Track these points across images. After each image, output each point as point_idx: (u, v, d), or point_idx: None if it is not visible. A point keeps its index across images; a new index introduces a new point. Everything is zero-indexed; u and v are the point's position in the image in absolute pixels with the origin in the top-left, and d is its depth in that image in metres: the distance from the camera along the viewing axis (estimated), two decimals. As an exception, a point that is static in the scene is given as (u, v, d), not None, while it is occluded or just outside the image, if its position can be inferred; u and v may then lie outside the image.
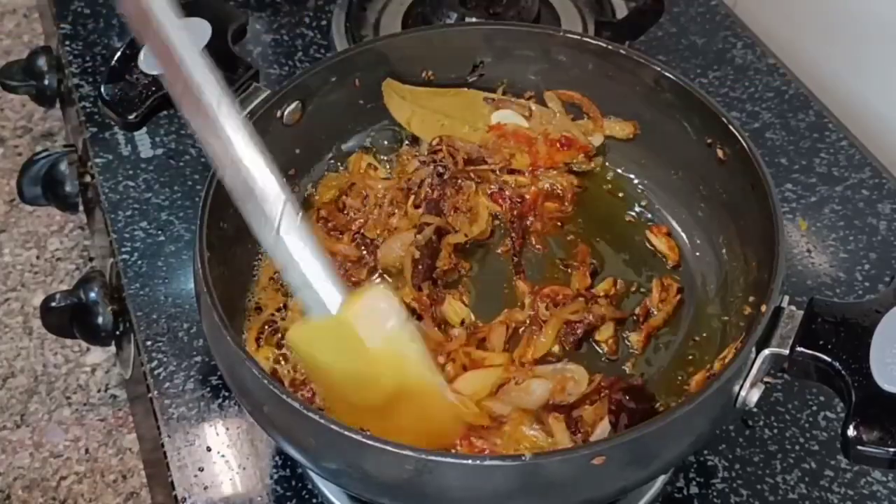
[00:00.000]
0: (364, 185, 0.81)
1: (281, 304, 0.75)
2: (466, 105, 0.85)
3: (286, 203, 0.61)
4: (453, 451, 0.65)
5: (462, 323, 0.75)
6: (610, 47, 0.80)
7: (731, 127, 0.74)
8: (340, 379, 0.64)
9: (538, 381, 0.70)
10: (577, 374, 0.71)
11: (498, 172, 0.84)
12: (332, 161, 0.85)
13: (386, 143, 0.86)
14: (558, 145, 0.84)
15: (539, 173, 0.84)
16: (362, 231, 0.80)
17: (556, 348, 0.74)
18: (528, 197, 0.83)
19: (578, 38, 0.82)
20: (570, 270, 0.79)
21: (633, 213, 0.84)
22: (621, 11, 1.10)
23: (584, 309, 0.75)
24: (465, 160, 0.83)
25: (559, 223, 0.83)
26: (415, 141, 0.86)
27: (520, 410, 0.68)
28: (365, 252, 0.79)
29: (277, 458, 0.77)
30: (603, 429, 0.67)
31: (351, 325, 0.61)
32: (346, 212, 0.81)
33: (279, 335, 0.74)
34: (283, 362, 0.72)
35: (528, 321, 0.75)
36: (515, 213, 0.82)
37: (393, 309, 0.62)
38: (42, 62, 1.18)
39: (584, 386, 0.70)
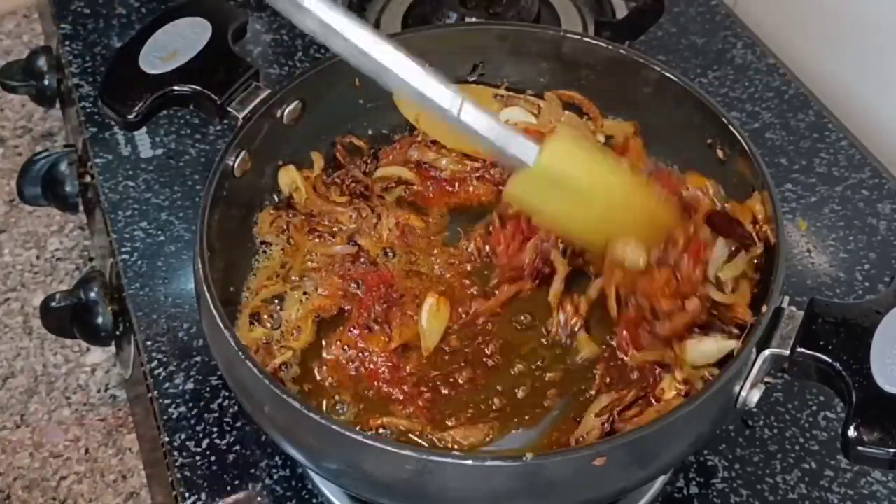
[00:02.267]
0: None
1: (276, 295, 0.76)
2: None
3: (461, 96, 0.64)
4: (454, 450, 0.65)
5: None
6: (610, 47, 0.80)
7: (731, 127, 0.74)
8: (558, 214, 0.68)
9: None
10: None
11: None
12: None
13: (386, 143, 0.87)
14: None
15: None
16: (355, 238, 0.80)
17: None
18: None
19: (578, 38, 0.82)
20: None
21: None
22: (621, 11, 1.10)
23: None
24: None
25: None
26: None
27: None
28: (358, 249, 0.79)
29: (277, 458, 0.77)
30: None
31: (556, 168, 0.65)
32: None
33: (273, 316, 0.74)
34: (274, 342, 0.73)
35: None
36: None
37: (584, 142, 0.69)
38: (42, 62, 1.18)
39: None
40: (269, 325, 0.73)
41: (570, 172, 0.66)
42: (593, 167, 0.67)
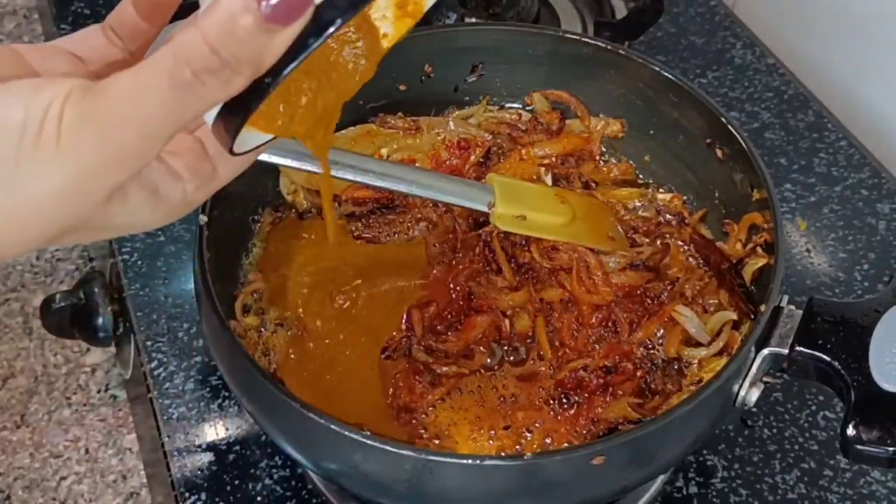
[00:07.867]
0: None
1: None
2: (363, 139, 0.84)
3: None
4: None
5: None
6: (609, 47, 0.81)
7: (730, 127, 0.74)
8: (534, 229, 0.74)
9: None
10: None
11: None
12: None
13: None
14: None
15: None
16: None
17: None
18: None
19: (577, 38, 0.82)
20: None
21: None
22: (621, 11, 1.10)
23: None
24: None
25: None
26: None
27: None
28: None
29: (277, 458, 0.77)
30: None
31: (509, 203, 0.72)
32: None
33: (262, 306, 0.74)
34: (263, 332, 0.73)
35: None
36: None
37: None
38: (42, 62, 1.18)
39: None
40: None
41: (520, 201, 0.73)
42: (537, 191, 0.77)
